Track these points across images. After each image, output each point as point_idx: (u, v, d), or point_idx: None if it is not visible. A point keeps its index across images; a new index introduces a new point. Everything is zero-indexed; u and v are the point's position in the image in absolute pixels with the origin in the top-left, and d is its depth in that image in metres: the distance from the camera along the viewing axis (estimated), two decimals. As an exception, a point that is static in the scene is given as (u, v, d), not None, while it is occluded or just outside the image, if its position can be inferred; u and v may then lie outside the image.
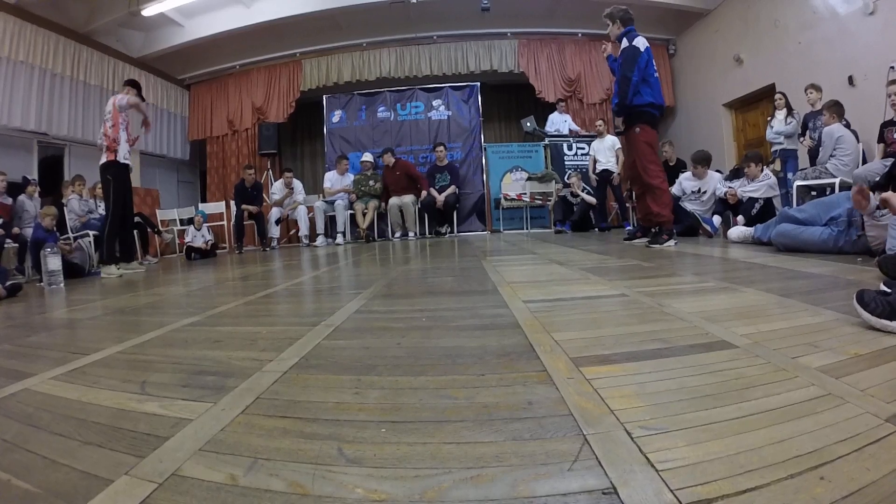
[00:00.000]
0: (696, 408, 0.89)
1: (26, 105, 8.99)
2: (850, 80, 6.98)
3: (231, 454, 0.89)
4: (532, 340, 1.42)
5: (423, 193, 9.78)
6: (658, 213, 4.92)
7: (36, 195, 8.18)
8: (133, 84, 6.44)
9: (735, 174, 6.60)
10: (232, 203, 10.37)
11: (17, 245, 7.46)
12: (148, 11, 10.02)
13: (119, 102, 6.08)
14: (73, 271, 6.37)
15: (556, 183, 9.66)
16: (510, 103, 13.17)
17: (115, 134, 6.07)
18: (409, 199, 9.64)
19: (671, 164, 7.83)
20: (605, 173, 8.85)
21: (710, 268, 3.24)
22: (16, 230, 7.48)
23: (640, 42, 4.99)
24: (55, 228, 6.83)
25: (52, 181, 9.68)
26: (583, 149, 10.22)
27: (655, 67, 5.17)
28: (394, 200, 9.71)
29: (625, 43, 4.99)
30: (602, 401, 0.94)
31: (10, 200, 7.70)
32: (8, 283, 4.95)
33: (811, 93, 6.77)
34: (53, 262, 5.52)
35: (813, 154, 6.44)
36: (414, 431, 0.90)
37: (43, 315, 3.49)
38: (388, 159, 9.93)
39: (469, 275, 3.33)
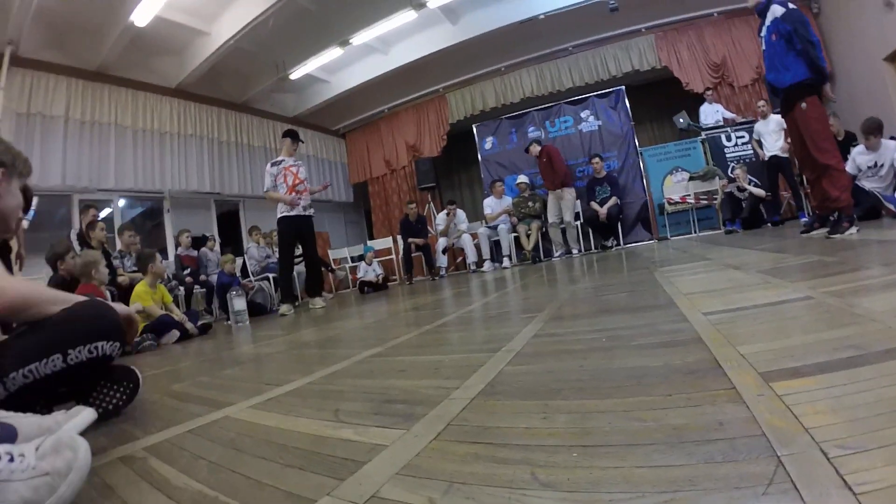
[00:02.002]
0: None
1: (200, 170, 10.55)
2: None
3: (427, 478, 0.94)
4: (717, 355, 1.37)
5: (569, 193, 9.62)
6: (837, 197, 4.49)
7: (216, 248, 9.38)
8: (287, 134, 7.09)
9: (913, 139, 5.92)
10: (399, 237, 10.89)
11: (204, 290, 8.47)
12: (294, 75, 11.14)
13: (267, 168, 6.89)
14: (257, 310, 7.10)
15: (719, 179, 9.11)
16: (659, 101, 12.68)
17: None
18: (568, 215, 9.48)
19: (839, 138, 6.95)
20: (774, 159, 8.11)
21: (900, 255, 2.93)
22: (202, 277, 8.49)
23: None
24: (237, 273, 7.66)
25: (231, 233, 10.96)
26: (743, 137, 9.59)
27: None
28: (552, 213, 9.63)
29: (778, 10, 4.65)
30: (795, 418, 0.90)
31: (195, 252, 8.80)
32: (199, 323, 5.63)
33: None
34: (239, 303, 6.19)
35: None
36: (605, 455, 0.91)
37: (232, 350, 3.84)
38: (534, 149, 9.87)
39: (642, 289, 3.26)
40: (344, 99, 12.68)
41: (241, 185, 11.46)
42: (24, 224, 5.77)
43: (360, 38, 10.36)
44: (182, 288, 8.16)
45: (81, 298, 1.72)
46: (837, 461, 0.74)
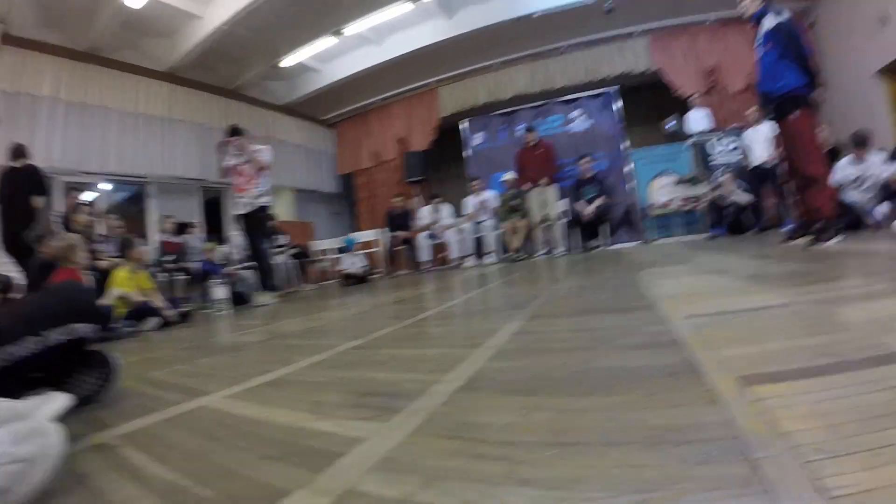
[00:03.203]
0: (871, 428, 0.84)
1: (185, 156, 10.51)
2: None
3: (405, 472, 0.94)
4: (697, 358, 1.38)
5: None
6: (820, 207, 4.53)
7: (197, 234, 9.39)
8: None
9: (900, 153, 6.01)
10: (384, 230, 10.86)
11: (186, 277, 8.48)
12: (286, 63, 11.10)
13: None
14: (239, 299, 7.06)
15: (706, 184, 9.22)
16: (650, 104, 12.56)
17: None
18: (554, 212, 9.56)
19: (827, 149, 6.88)
20: (761, 167, 8.14)
21: (880, 267, 2.99)
22: (185, 264, 8.49)
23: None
24: (220, 261, 7.66)
25: (216, 220, 10.96)
26: (731, 144, 9.55)
27: None
28: (535, 210, 9.62)
29: (771, 21, 4.70)
30: (772, 422, 0.91)
31: (178, 239, 8.82)
32: (180, 310, 5.62)
33: None
34: (220, 292, 6.17)
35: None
36: (583, 453, 0.91)
37: (212, 339, 3.84)
38: (532, 137, 9.94)
39: (625, 290, 3.26)
40: (335, 89, 12.61)
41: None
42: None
43: (354, 28, 10.32)
44: (164, 274, 8.10)
45: None
46: (814, 465, 0.75)
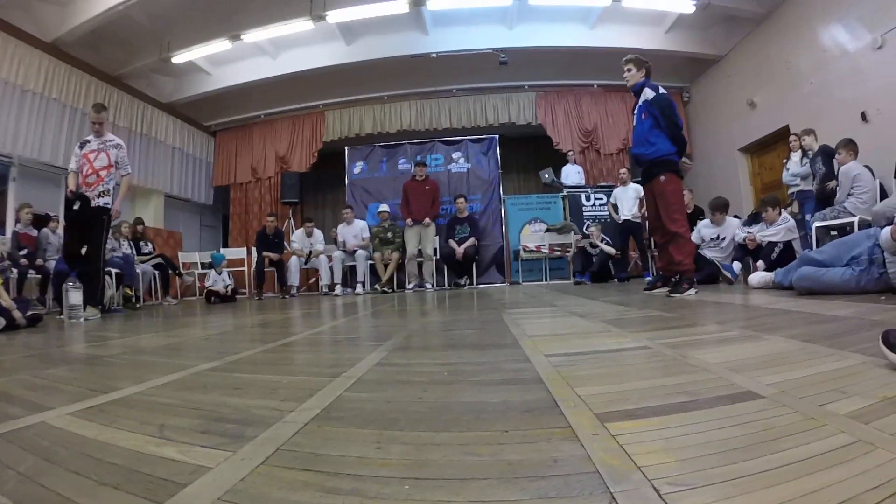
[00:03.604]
0: (723, 462, 0.87)
1: (56, 141, 9.36)
2: (864, 116, 7.07)
3: None
4: (555, 395, 1.40)
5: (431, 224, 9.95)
6: (680, 261, 4.94)
7: (59, 230, 8.38)
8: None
9: (753, 219, 6.69)
10: (253, 249, 10.54)
11: (39, 276, 7.72)
12: (178, 59, 10.54)
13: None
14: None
15: (574, 234, 9.74)
16: (529, 155, 13.39)
17: None
18: (430, 248, 9.70)
19: (689, 210, 7.71)
20: (627, 223, 8.83)
21: (732, 316, 3.24)
22: (39, 262, 7.72)
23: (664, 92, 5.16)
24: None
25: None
26: (601, 199, 10.36)
27: None
28: (411, 245, 9.82)
29: (649, 93, 5.12)
30: (628, 457, 0.91)
31: (35, 232, 7.98)
32: (29, 313, 5.07)
33: (805, 139, 7.03)
34: (75, 297, 5.57)
35: (821, 196, 6.53)
36: (438, 489, 0.88)
37: (62, 348, 3.55)
38: (421, 171, 10.12)
39: (489, 328, 3.31)
40: (222, 95, 12.14)
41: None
42: None
43: (252, 36, 10.08)
44: (15, 270, 7.28)
45: None
46: (669, 497, 0.75)
